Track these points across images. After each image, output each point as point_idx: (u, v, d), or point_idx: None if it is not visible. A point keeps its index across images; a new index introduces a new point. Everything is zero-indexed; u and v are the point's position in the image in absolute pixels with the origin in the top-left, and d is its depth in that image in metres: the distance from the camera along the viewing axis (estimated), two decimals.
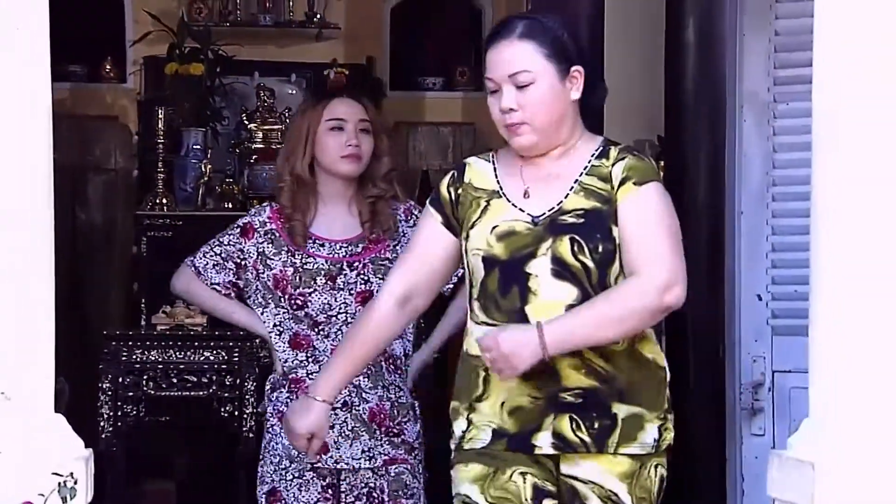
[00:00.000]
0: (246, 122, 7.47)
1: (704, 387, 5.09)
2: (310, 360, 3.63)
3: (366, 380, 3.62)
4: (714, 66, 4.88)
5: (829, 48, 2.80)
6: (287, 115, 7.53)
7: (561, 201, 2.91)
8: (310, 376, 3.56)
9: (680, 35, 5.34)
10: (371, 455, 3.62)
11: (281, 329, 3.66)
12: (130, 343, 6.08)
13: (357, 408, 3.62)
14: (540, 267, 2.87)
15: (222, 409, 6.05)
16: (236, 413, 6.01)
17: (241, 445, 5.94)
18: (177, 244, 7.20)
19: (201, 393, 6.07)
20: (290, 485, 3.62)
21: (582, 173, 2.93)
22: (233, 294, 3.72)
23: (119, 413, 5.98)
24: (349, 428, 3.61)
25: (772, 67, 4.22)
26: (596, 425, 2.88)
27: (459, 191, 3.00)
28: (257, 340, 6.47)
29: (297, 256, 3.63)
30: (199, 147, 7.43)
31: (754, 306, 4.26)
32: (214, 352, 6.08)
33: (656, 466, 2.94)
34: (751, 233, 4.27)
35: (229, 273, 3.70)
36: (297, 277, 3.61)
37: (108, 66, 7.87)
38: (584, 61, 2.98)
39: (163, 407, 6.24)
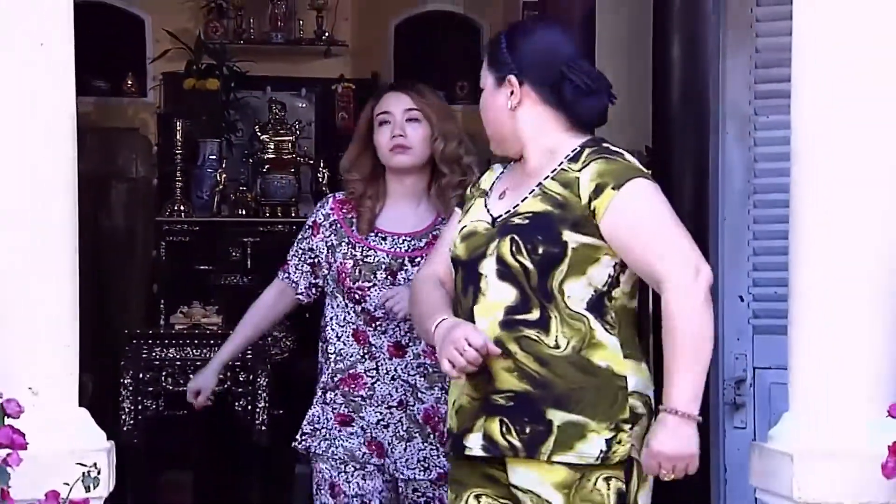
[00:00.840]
0: (259, 134, 7.48)
1: None
2: (366, 356, 3.33)
3: (423, 379, 3.32)
4: (698, 81, 4.88)
5: (806, 65, 2.80)
6: (298, 127, 7.55)
7: (517, 204, 2.72)
8: (367, 373, 3.31)
9: (666, 51, 5.35)
10: (427, 466, 3.32)
11: (344, 323, 3.35)
12: (150, 341, 6.09)
13: (412, 408, 3.32)
14: (488, 267, 2.68)
15: (236, 404, 6.05)
16: (249, 407, 6.02)
17: (253, 437, 5.94)
18: (194, 248, 7.22)
19: (216, 388, 6.04)
20: (352, 477, 3.33)
21: (547, 177, 2.71)
22: (314, 296, 3.47)
23: (139, 407, 5.98)
24: (403, 428, 3.32)
25: (753, 82, 4.21)
26: (527, 430, 2.62)
27: (469, 190, 2.93)
28: (269, 339, 6.50)
29: (357, 249, 3.34)
30: (214, 157, 7.44)
31: (736, 307, 4.25)
32: None
33: (608, 479, 2.64)
34: (733, 237, 4.27)
35: (307, 275, 3.45)
36: (357, 270, 3.32)
37: (129, 82, 7.88)
38: (530, 71, 2.75)
39: (180, 401, 6.20)
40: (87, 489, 2.45)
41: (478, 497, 2.73)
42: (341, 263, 3.33)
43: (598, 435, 2.63)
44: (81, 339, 2.75)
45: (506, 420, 2.64)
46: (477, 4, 8.14)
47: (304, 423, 3.42)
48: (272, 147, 7.46)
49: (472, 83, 8.96)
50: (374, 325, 3.31)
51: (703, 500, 4.27)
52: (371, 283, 3.30)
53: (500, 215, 2.74)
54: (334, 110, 7.98)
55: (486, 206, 2.80)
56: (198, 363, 6.02)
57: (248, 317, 3.57)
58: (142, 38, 7.94)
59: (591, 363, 2.65)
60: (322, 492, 3.38)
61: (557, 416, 2.62)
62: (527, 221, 2.68)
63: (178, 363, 6.05)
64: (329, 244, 3.38)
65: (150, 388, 6.02)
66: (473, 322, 2.67)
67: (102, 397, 5.86)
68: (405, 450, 3.32)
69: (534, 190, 2.72)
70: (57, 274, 2.70)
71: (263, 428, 5.93)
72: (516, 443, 2.64)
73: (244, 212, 7.41)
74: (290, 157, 7.48)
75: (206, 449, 6.63)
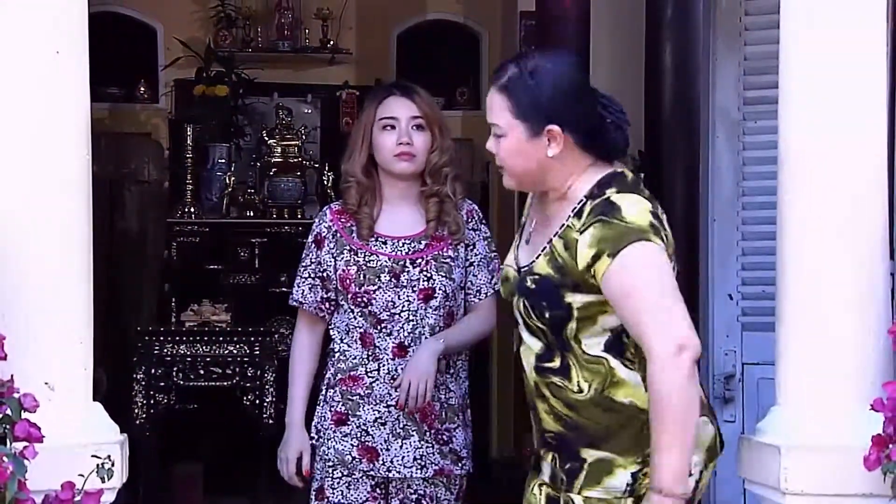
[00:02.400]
0: (266, 139, 7.48)
1: None
2: (370, 358, 3.25)
3: None
4: (689, 88, 4.89)
5: (793, 72, 2.80)
6: (303, 131, 7.55)
7: (533, 261, 2.67)
8: (368, 374, 3.24)
9: (658, 59, 5.36)
10: (423, 464, 3.24)
11: (350, 328, 3.28)
12: (162, 338, 6.08)
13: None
14: (518, 316, 2.71)
15: (245, 398, 6.05)
16: (257, 402, 6.01)
17: (261, 431, 5.94)
18: (203, 248, 7.22)
19: (226, 383, 6.07)
20: (338, 483, 3.27)
21: (557, 233, 2.64)
22: (329, 311, 3.36)
23: (151, 401, 5.98)
24: (400, 426, 3.23)
25: (741, 89, 4.21)
26: (566, 466, 2.66)
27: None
28: (276, 336, 6.50)
29: (359, 255, 3.26)
30: (223, 161, 7.44)
31: (726, 305, 4.25)
32: (238, 346, 6.08)
33: None
34: (723, 238, 4.27)
35: (318, 290, 3.35)
36: (361, 275, 3.24)
37: (142, 88, 7.88)
38: (569, 117, 2.62)
39: (191, 396, 6.24)
40: (102, 480, 2.45)
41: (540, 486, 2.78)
42: (344, 270, 3.27)
43: (624, 469, 2.62)
44: (95, 335, 2.75)
45: (555, 455, 2.71)
46: (476, 13, 8.14)
47: (315, 420, 3.37)
48: (279, 151, 7.45)
49: (472, 89, 8.99)
50: (379, 326, 3.25)
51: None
52: (376, 287, 3.24)
53: (522, 267, 2.72)
54: (339, 116, 7.97)
55: (517, 247, 2.78)
56: (207, 359, 6.04)
57: (299, 367, 3.39)
58: (154, 46, 7.94)
59: (614, 401, 2.62)
60: (313, 491, 3.34)
61: (590, 454, 2.64)
62: (534, 286, 2.64)
63: (189, 359, 6.05)
64: (333, 255, 3.31)
65: (162, 384, 6.02)
66: (521, 364, 2.74)
67: (116, 392, 5.85)
68: (401, 447, 3.23)
69: (545, 248, 2.66)
70: (72, 273, 2.70)
71: (271, 421, 5.92)
72: (562, 475, 2.68)
73: (252, 213, 7.40)
74: (296, 160, 7.47)
75: (216, 442, 6.63)
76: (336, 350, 3.32)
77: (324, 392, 3.34)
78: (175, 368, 6.04)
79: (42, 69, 2.67)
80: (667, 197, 5.30)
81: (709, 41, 4.31)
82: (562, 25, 5.75)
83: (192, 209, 7.27)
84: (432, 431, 3.25)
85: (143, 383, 5.99)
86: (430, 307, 3.23)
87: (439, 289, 3.23)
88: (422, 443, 3.24)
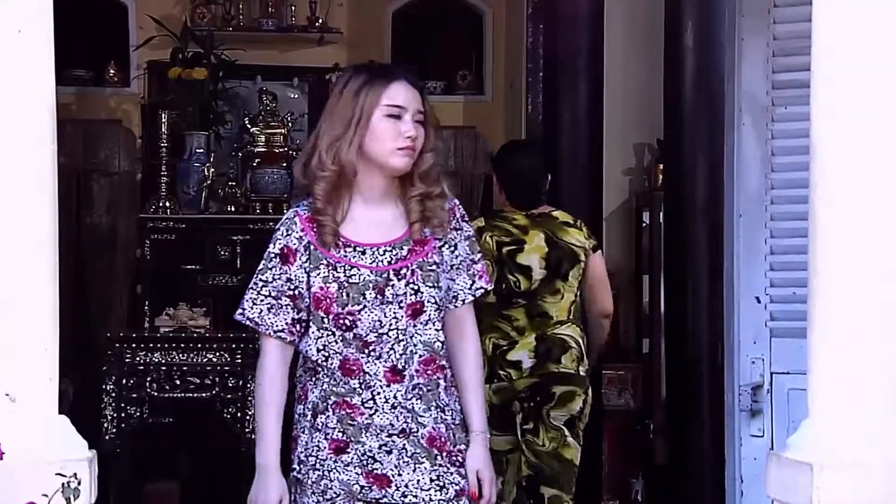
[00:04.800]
0: (248, 126, 7.48)
1: (703, 388, 5.10)
2: (362, 386, 3.10)
3: (419, 402, 3.14)
4: (713, 70, 4.89)
5: (826, 52, 2.80)
6: (290, 118, 7.54)
7: None
8: (364, 404, 3.10)
9: (679, 39, 5.35)
10: (441, 484, 3.13)
11: (327, 354, 3.11)
12: (134, 345, 6.09)
13: (415, 434, 3.13)
14: None
15: (225, 411, 6.05)
16: (239, 414, 6.02)
17: (243, 446, 5.94)
18: (180, 247, 7.22)
19: (204, 394, 6.07)
20: None
21: None
22: (300, 333, 3.16)
23: (123, 414, 5.98)
24: (409, 454, 3.12)
25: (770, 71, 4.21)
26: None
27: None
28: (259, 343, 6.49)
29: (339, 269, 3.09)
30: (201, 151, 7.43)
31: (753, 308, 4.26)
32: (217, 353, 6.09)
33: None
34: (749, 235, 4.27)
35: (287, 311, 3.12)
36: (344, 294, 3.07)
37: (111, 71, 7.87)
38: None
39: (166, 408, 6.24)
40: (68, 501, 2.45)
41: None
42: (322, 288, 3.08)
43: None
44: (61, 342, 2.75)
45: None
46: None
47: (300, 450, 3.19)
48: (263, 140, 7.45)
49: (474, 73, 8.99)
50: (367, 350, 3.10)
51: None
52: (361, 306, 3.07)
53: None
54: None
55: None
56: (184, 368, 6.04)
57: (269, 399, 3.15)
58: (125, 24, 7.93)
59: None
60: None
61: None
62: None
63: (164, 368, 6.06)
64: (306, 270, 3.11)
65: (134, 395, 6.02)
66: None
67: (84, 404, 5.85)
68: (414, 471, 3.13)
69: None
70: (36, 274, 2.69)
71: (253, 436, 5.92)
72: None
73: (233, 208, 7.40)
74: (281, 150, 7.47)
75: (193, 458, 6.63)
76: (319, 370, 3.15)
77: (309, 418, 3.17)
78: (149, 378, 6.05)
79: (1, 50, 2.66)
80: (688, 190, 5.31)
81: (734, 18, 4.31)
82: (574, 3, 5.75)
83: (168, 203, 7.26)
84: (444, 454, 3.15)
85: (114, 395, 5.99)
86: (420, 322, 3.12)
87: (428, 301, 3.12)
88: (435, 467, 3.14)
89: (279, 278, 3.12)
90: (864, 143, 2.75)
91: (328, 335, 3.10)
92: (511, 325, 4.73)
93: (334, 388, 3.12)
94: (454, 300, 3.21)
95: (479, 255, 3.25)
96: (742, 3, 4.28)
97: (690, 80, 5.33)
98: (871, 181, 2.75)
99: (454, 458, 3.16)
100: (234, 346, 6.09)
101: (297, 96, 7.95)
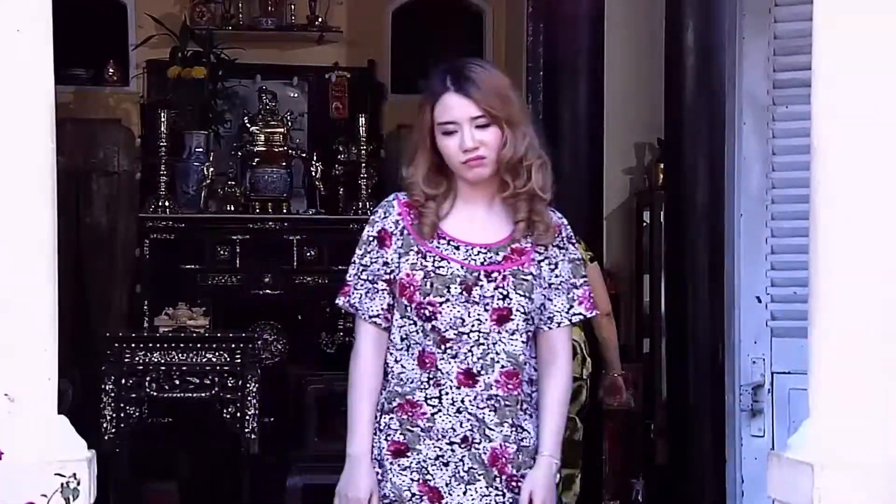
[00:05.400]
0: (248, 125, 7.49)
1: (704, 388, 5.10)
2: (430, 382, 2.98)
3: (492, 414, 2.99)
4: (713, 70, 4.89)
5: (827, 51, 2.80)
6: (289, 117, 7.54)
7: None
8: (428, 401, 2.98)
9: (680, 38, 5.35)
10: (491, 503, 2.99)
11: (409, 343, 3.01)
12: (133, 345, 6.08)
13: (477, 446, 2.98)
14: None
15: (224, 411, 6.05)
16: (238, 414, 6.02)
17: (243, 447, 5.94)
18: (179, 246, 7.23)
19: (203, 394, 6.07)
20: None
21: None
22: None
23: (122, 414, 5.98)
24: (465, 468, 2.98)
25: (771, 70, 4.21)
26: None
27: None
28: (259, 342, 6.51)
29: (428, 259, 3.00)
30: (201, 150, 7.44)
31: (754, 308, 4.26)
32: (216, 353, 6.08)
33: None
34: (750, 235, 4.27)
35: (383, 296, 3.04)
36: (428, 283, 2.98)
37: (111, 70, 7.88)
38: None
39: (165, 408, 6.25)
40: (67, 501, 2.45)
41: None
42: (408, 275, 3.00)
43: None
44: (61, 342, 2.75)
45: None
46: None
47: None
48: (262, 139, 7.46)
49: None
50: (444, 346, 2.98)
51: None
52: (444, 299, 2.97)
53: None
54: (328, 100, 7.98)
55: None
56: (183, 368, 6.04)
57: (363, 387, 3.05)
58: (124, 23, 7.94)
59: None
60: None
61: None
62: None
63: (163, 368, 6.05)
64: (399, 254, 3.03)
65: (133, 395, 6.02)
66: None
67: (83, 404, 5.86)
68: (465, 493, 2.98)
69: None
70: (35, 274, 2.70)
71: (253, 436, 5.93)
72: None
73: (232, 208, 7.41)
74: (281, 149, 7.49)
75: (193, 458, 6.63)
76: (389, 368, 3.05)
77: (378, 417, 3.06)
78: (148, 378, 6.05)
79: (1, 49, 2.66)
80: (689, 189, 5.31)
81: (735, 17, 4.31)
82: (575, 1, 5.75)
83: (167, 203, 7.28)
84: (503, 477, 2.99)
85: (113, 394, 5.99)
86: (506, 331, 2.98)
87: (517, 310, 2.98)
88: (490, 489, 2.99)
89: (376, 262, 3.05)
90: (865, 143, 2.76)
91: (410, 324, 3.01)
92: None
93: (399, 390, 3.02)
94: (549, 321, 3.05)
95: (582, 280, 3.08)
96: (743, 2, 4.28)
97: (691, 79, 5.33)
98: (872, 181, 2.75)
99: (512, 484, 2.99)
100: (233, 345, 6.09)
101: (296, 95, 7.96)
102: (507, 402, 2.98)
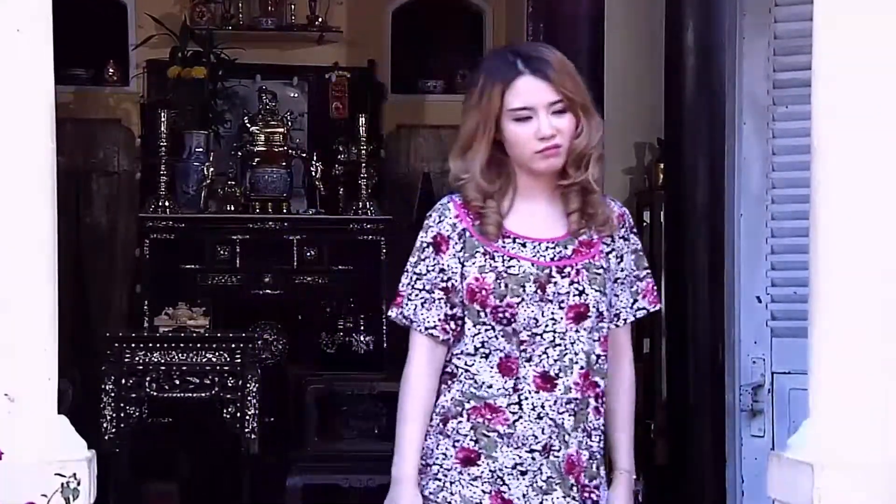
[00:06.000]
0: (248, 125, 7.49)
1: (704, 388, 5.10)
2: (511, 388, 2.80)
3: (571, 419, 2.81)
4: (713, 70, 4.88)
5: (827, 51, 2.80)
6: (289, 118, 7.55)
7: None
8: (509, 408, 2.80)
9: (680, 38, 5.34)
10: None
11: (488, 351, 2.81)
12: (133, 345, 6.09)
13: (556, 453, 2.81)
14: None
15: (224, 411, 6.05)
16: (238, 414, 6.02)
17: (243, 447, 5.95)
18: (179, 246, 7.23)
19: (203, 394, 6.07)
20: None
21: None
22: (454, 332, 2.85)
23: (122, 414, 5.98)
24: (543, 478, 2.80)
25: (771, 70, 4.22)
26: None
27: None
28: (259, 342, 6.51)
29: (497, 259, 2.81)
30: (201, 150, 7.44)
31: (754, 308, 4.26)
32: (217, 353, 6.09)
33: None
34: (750, 235, 4.27)
35: (440, 306, 2.83)
36: (502, 284, 2.79)
37: (111, 70, 7.88)
38: None
39: (165, 408, 6.25)
40: (67, 501, 2.45)
41: None
42: (478, 279, 2.80)
43: None
44: (61, 342, 2.75)
45: None
46: None
47: (426, 455, 2.88)
48: (262, 139, 7.46)
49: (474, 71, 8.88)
50: (520, 348, 2.81)
51: None
52: (519, 299, 2.78)
53: None
54: (328, 100, 7.98)
55: None
56: (183, 368, 6.04)
57: (415, 404, 2.85)
58: (124, 23, 7.94)
59: None
60: None
61: None
62: None
63: (163, 368, 6.06)
64: (461, 259, 2.83)
65: (134, 395, 6.02)
66: None
67: (83, 404, 5.86)
68: (541, 503, 2.81)
69: None
70: (35, 273, 2.70)
71: (253, 436, 5.94)
72: None
73: (232, 208, 7.41)
74: (281, 149, 7.49)
75: (193, 458, 6.63)
76: (459, 372, 2.86)
77: (437, 423, 2.86)
78: (148, 378, 6.05)
79: (1, 49, 2.66)
80: (688, 190, 5.31)
81: (735, 17, 4.31)
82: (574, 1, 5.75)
83: (167, 203, 7.28)
84: (578, 487, 2.82)
85: (113, 394, 5.99)
86: (583, 328, 2.80)
87: (593, 306, 2.80)
88: (566, 500, 2.81)
89: (432, 269, 2.85)
90: (865, 143, 2.76)
91: (487, 330, 2.82)
92: None
93: (475, 391, 2.82)
94: (615, 318, 2.88)
95: (644, 272, 2.92)
96: (743, 2, 4.28)
97: (691, 79, 5.32)
98: (872, 181, 2.75)
99: (585, 495, 2.83)
100: (233, 345, 6.09)
101: (296, 95, 7.96)
102: (580, 406, 2.82)
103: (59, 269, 2.74)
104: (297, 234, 7.37)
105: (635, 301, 2.90)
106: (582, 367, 2.80)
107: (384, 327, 7.22)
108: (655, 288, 2.92)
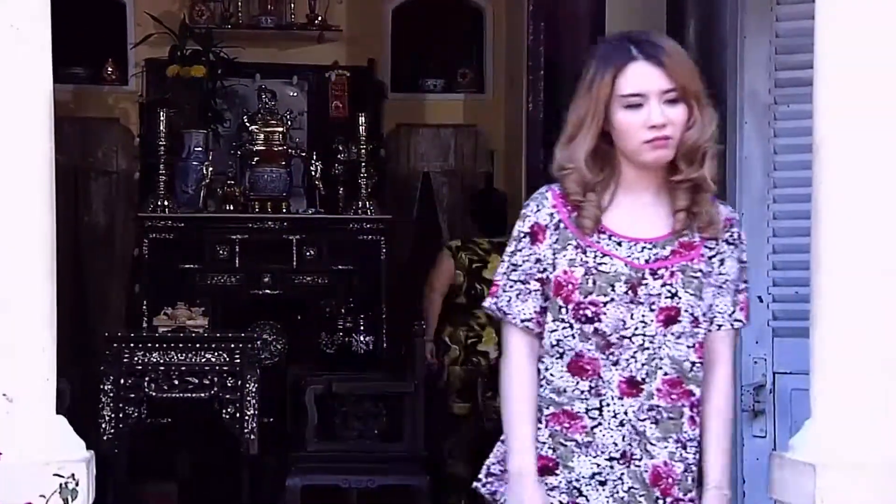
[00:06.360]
0: (247, 124, 7.48)
1: None
2: (591, 392, 2.70)
3: (654, 427, 2.70)
4: (714, 68, 4.87)
5: (829, 50, 2.80)
6: (289, 117, 7.54)
7: None
8: (588, 413, 2.70)
9: (681, 36, 5.34)
10: None
11: (562, 350, 2.73)
12: (132, 345, 6.09)
13: (638, 463, 2.69)
14: None
15: (224, 411, 6.05)
16: (238, 415, 6.02)
17: (242, 447, 5.94)
18: (178, 246, 7.23)
19: (203, 395, 6.07)
20: None
21: None
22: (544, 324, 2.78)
23: (120, 415, 5.98)
24: (624, 488, 2.69)
25: (773, 69, 4.21)
26: None
27: None
28: (258, 342, 6.51)
29: (588, 254, 2.71)
30: (200, 149, 7.44)
31: (755, 308, 4.22)
32: (216, 353, 6.09)
33: None
34: (751, 235, 4.25)
35: (535, 297, 2.75)
36: (590, 281, 2.69)
37: (109, 69, 7.87)
38: None
39: (164, 409, 6.25)
40: (65, 502, 2.45)
41: None
42: (566, 272, 2.71)
43: None
44: (59, 342, 2.75)
45: None
46: None
47: (492, 458, 2.84)
48: (262, 138, 7.46)
49: (475, 70, 8.98)
50: (606, 352, 2.70)
51: None
52: (608, 298, 2.69)
53: None
54: (328, 99, 7.98)
55: None
56: (182, 368, 6.04)
57: (523, 399, 2.77)
58: (122, 21, 7.94)
59: None
60: None
61: None
62: None
63: (162, 368, 6.05)
64: (554, 250, 2.74)
65: (132, 395, 6.02)
66: None
67: (81, 404, 5.86)
68: None
69: None
70: (33, 273, 2.70)
71: (253, 437, 5.93)
72: None
73: (232, 207, 7.41)
74: (280, 148, 7.48)
75: (192, 459, 6.64)
76: (545, 377, 2.77)
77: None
78: (147, 378, 6.05)
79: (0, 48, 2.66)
80: None
81: (736, 16, 4.31)
82: None
83: (166, 202, 7.28)
84: (668, 500, 2.70)
85: (112, 395, 5.99)
86: (672, 334, 2.69)
87: (686, 310, 2.69)
88: None
89: (528, 259, 2.76)
90: (867, 142, 2.76)
91: (565, 328, 2.73)
92: (476, 323, 6.40)
93: (554, 397, 2.74)
94: (710, 322, 2.75)
95: (744, 285, 2.81)
96: (744, 0, 4.28)
97: None
98: (874, 180, 2.75)
99: None
100: (232, 346, 6.09)
101: (296, 94, 7.96)
102: (670, 415, 2.70)
103: (58, 269, 2.75)
104: (296, 234, 7.37)
105: (734, 311, 2.77)
106: (666, 374, 2.69)
107: (384, 327, 7.22)
108: (749, 303, 2.81)
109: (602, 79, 2.69)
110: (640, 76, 2.67)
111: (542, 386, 2.75)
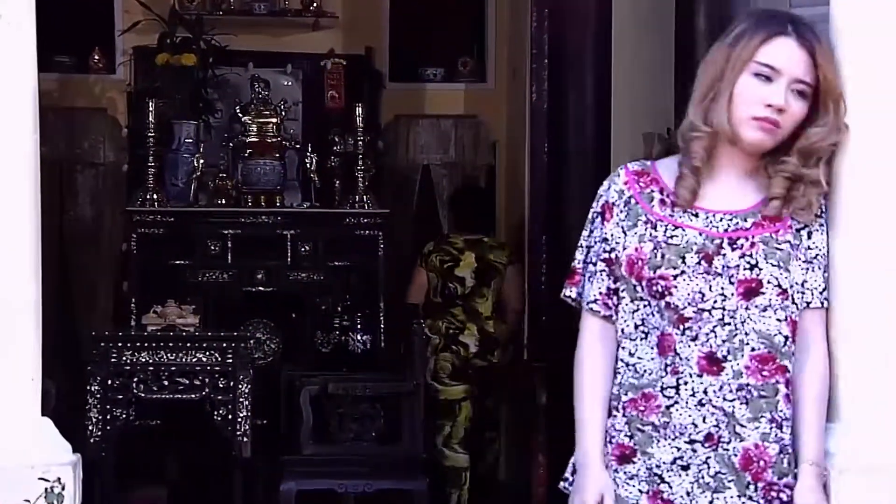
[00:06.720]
0: (240, 115, 7.48)
1: None
2: (668, 369, 2.67)
3: (744, 407, 2.64)
4: None
5: (844, 38, 2.80)
6: (283, 107, 7.54)
7: None
8: (664, 392, 2.67)
9: (691, 23, 5.35)
10: None
11: (647, 330, 2.71)
12: (120, 344, 6.08)
13: (726, 445, 2.64)
14: None
15: (215, 413, 6.05)
16: (230, 416, 6.02)
17: (234, 450, 5.95)
18: (168, 241, 7.23)
19: (193, 396, 6.07)
20: None
21: None
22: (616, 308, 2.76)
23: (108, 416, 5.98)
24: (710, 473, 2.64)
25: None
26: None
27: None
28: (251, 342, 6.52)
29: (659, 228, 2.70)
30: (191, 140, 7.44)
31: None
32: (207, 353, 6.09)
33: None
34: None
35: (602, 278, 2.75)
36: (659, 255, 2.67)
37: (96, 57, 7.88)
38: None
39: (153, 410, 6.25)
40: None
41: None
42: (637, 249, 2.70)
43: None
44: (44, 341, 2.75)
45: None
46: None
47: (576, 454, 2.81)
48: (255, 129, 7.45)
49: (476, 59, 8.98)
50: (682, 326, 2.67)
51: None
52: (678, 271, 2.66)
53: None
54: (323, 89, 7.98)
55: None
56: (172, 368, 6.04)
57: (594, 385, 2.77)
58: (110, 8, 7.94)
59: None
60: None
61: None
62: None
63: (151, 368, 6.05)
64: (623, 228, 2.74)
65: (120, 396, 6.02)
66: None
67: (67, 406, 5.86)
68: (710, 503, 2.64)
69: None
70: (17, 270, 2.70)
71: (245, 439, 5.94)
72: None
73: (224, 201, 7.41)
74: (274, 140, 7.48)
75: (182, 463, 6.64)
76: (623, 362, 2.76)
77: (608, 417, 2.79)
78: (135, 379, 6.05)
79: None
80: None
81: (749, 4, 4.31)
82: None
83: (155, 196, 7.27)
84: (760, 485, 2.64)
85: (99, 396, 5.99)
86: (755, 306, 2.65)
87: (769, 282, 2.65)
88: (742, 499, 2.64)
89: (596, 239, 2.78)
90: (882, 138, 2.76)
91: (644, 306, 2.71)
92: (455, 318, 6.82)
93: (635, 381, 2.71)
94: (800, 297, 2.71)
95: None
96: None
97: None
98: (879, 178, 2.76)
99: (772, 495, 2.65)
100: (224, 345, 6.09)
101: (290, 84, 7.96)
102: (762, 393, 2.64)
103: (43, 265, 2.75)
104: (291, 229, 7.37)
105: (825, 287, 2.73)
106: (754, 349, 2.65)
107: (381, 326, 7.22)
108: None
109: (750, 39, 2.67)
110: (786, 52, 2.66)
111: (620, 373, 2.74)
